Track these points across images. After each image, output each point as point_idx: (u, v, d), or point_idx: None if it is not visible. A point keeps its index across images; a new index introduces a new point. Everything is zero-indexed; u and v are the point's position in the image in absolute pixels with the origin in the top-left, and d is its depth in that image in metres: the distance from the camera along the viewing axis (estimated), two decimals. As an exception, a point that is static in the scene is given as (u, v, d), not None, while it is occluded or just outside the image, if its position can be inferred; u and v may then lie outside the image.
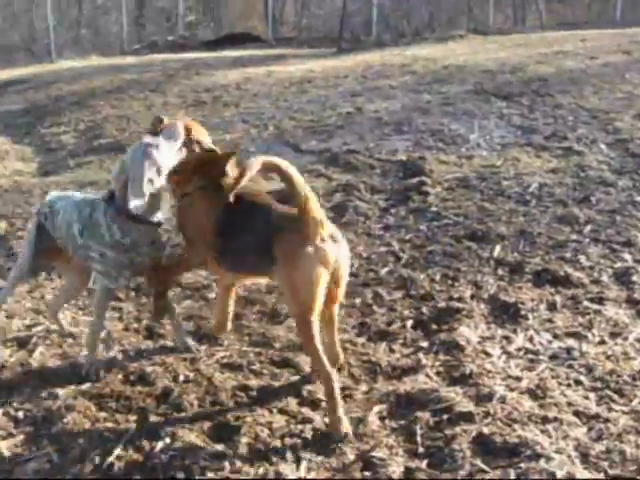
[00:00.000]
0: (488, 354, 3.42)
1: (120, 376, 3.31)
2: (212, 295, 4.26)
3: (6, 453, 2.78)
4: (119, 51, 25.82)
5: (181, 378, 3.28)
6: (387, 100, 9.54)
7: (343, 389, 3.14)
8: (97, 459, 2.71)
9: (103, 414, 3.02)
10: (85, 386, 3.23)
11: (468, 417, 2.90)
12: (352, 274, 4.40)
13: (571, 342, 3.52)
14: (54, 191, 3.95)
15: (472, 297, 4.04)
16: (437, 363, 3.37)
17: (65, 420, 2.94)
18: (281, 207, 3.12)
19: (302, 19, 33.15)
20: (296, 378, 3.28)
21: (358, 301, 4.08)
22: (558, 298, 3.98)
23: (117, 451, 2.75)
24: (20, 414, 3.05)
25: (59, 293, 3.86)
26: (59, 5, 26.82)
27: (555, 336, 3.59)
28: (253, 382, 3.22)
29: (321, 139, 7.85)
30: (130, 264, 3.24)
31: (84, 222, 3.23)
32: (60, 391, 3.19)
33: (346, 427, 2.84)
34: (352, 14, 21.95)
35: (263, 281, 3.94)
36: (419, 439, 2.81)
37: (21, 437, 2.89)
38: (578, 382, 3.18)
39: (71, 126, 10.06)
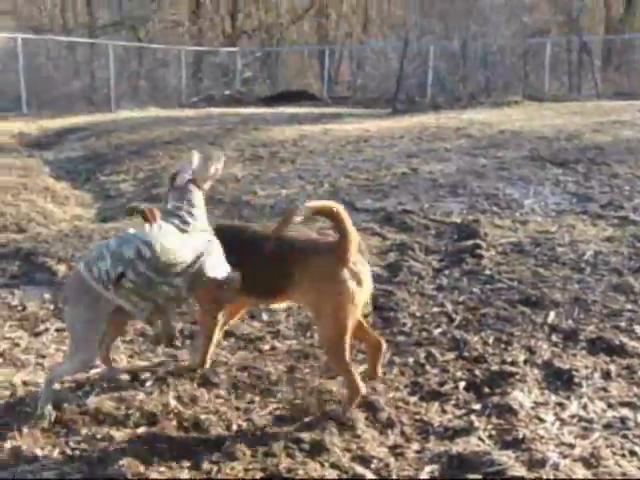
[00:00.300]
0: (541, 420, 3.40)
1: (174, 422, 3.35)
2: (266, 347, 4.31)
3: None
4: (177, 103, 26.37)
5: (234, 427, 3.31)
6: (442, 162, 9.63)
7: (395, 447, 3.16)
8: (152, 502, 2.75)
9: (157, 458, 3.05)
10: (140, 430, 3.28)
11: (520, 482, 2.89)
12: (405, 333, 4.45)
13: (625, 412, 3.47)
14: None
15: (525, 362, 4.02)
16: (489, 426, 3.35)
17: (120, 462, 2.98)
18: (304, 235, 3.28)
19: (357, 79, 33.55)
20: (349, 434, 3.29)
21: (411, 360, 4.08)
22: (613, 367, 3.94)
23: (172, 497, 2.79)
24: (76, 454, 3.09)
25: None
26: (120, 57, 27.46)
27: (609, 405, 3.55)
28: (305, 435, 3.23)
29: (376, 198, 7.93)
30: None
31: None
32: (116, 434, 3.24)
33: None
34: (407, 76, 22.19)
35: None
36: (469, 501, 2.81)
37: (77, 476, 2.93)
38: (633, 453, 3.13)
39: (130, 174, 10.27)
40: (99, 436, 3.22)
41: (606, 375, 3.87)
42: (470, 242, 6.15)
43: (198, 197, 3.52)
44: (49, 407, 3.34)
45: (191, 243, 3.34)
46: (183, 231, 3.37)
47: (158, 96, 27.53)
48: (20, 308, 5.02)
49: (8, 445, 3.13)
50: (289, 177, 9.26)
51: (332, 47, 36.09)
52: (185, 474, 2.95)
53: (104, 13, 39.92)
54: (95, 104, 24.66)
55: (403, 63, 19.57)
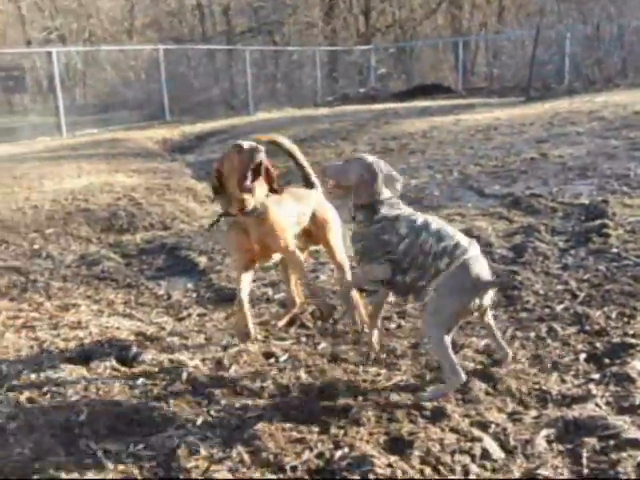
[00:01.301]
0: (659, 387, 3.46)
1: (305, 393, 3.61)
2: (393, 325, 4.52)
3: (204, 452, 3.11)
4: (313, 103, 26.81)
5: (360, 397, 3.53)
6: (573, 146, 9.57)
7: (513, 413, 3.31)
8: (285, 461, 3.01)
9: (289, 424, 3.31)
10: (273, 400, 3.55)
11: (634, 443, 2.97)
12: (527, 310, 4.56)
13: None
14: None
15: (647, 334, 4.07)
16: (607, 394, 3.43)
17: (256, 428, 3.24)
18: None
19: (493, 69, 33.19)
20: (469, 403, 3.45)
21: (532, 335, 4.19)
22: None
23: (304, 457, 3.03)
24: (216, 421, 3.39)
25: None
26: (257, 61, 28.14)
27: None
28: (427, 404, 3.42)
29: (505, 184, 8.00)
30: None
31: None
32: (250, 402, 3.52)
33: None
34: (544, 63, 21.89)
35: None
36: (584, 461, 2.90)
37: (217, 440, 3.21)
38: None
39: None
40: (237, 405, 3.51)
41: None
42: (598, 222, 6.14)
43: None
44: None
45: None
46: None
47: (294, 97, 28.11)
48: (166, 297, 5.42)
49: (156, 414, 3.45)
50: (419, 167, 9.42)
51: (466, 38, 35.80)
52: (315, 437, 3.19)
53: (241, 20, 40.94)
54: (234, 108, 25.41)
55: (535, 50, 19.30)
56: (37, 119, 24.24)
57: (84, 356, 4.25)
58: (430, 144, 11.12)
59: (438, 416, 3.30)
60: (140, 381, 3.84)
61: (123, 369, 4.05)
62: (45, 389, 3.78)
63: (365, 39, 38.97)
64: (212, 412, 3.47)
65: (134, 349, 4.27)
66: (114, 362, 4.12)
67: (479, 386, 3.55)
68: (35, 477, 2.98)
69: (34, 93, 33.50)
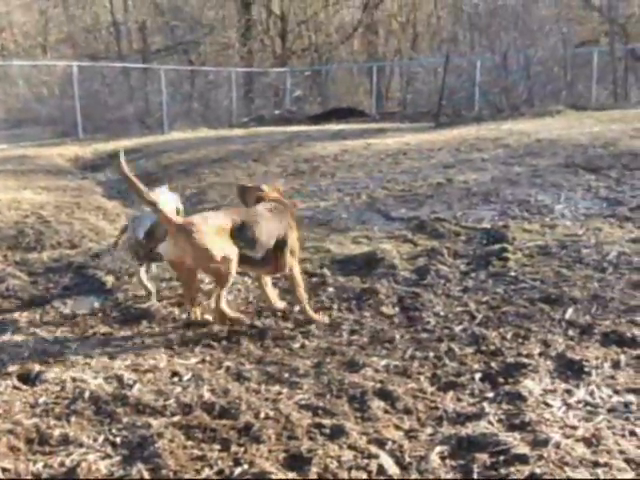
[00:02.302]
0: (549, 405, 3.60)
1: (207, 411, 3.66)
2: (296, 345, 4.60)
3: (104, 470, 3.13)
4: (228, 124, 26.83)
5: (262, 415, 3.58)
6: (478, 172, 9.85)
7: (409, 431, 3.42)
8: (185, 478, 3.05)
9: (190, 442, 3.35)
10: (175, 418, 3.59)
11: (523, 459, 3.10)
12: (427, 330, 4.70)
13: (631, 397, 3.65)
14: None
15: (540, 354, 4.22)
16: (500, 411, 3.57)
17: (157, 445, 3.27)
18: None
19: (406, 94, 33.77)
20: (367, 420, 3.55)
21: (431, 354, 4.31)
22: (623, 357, 4.12)
23: (204, 474, 3.08)
24: (118, 439, 3.40)
25: None
26: (172, 80, 28.04)
27: (616, 391, 3.73)
28: (327, 421, 3.50)
29: (411, 207, 8.19)
30: None
31: None
32: (153, 421, 3.55)
33: None
34: (455, 90, 22.37)
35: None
36: (475, 476, 3.03)
37: (118, 458, 3.23)
38: (633, 433, 3.31)
39: (178, 192, 10.61)
40: (139, 423, 3.53)
41: (616, 364, 4.05)
42: (498, 246, 6.35)
43: None
44: None
45: None
46: None
47: (210, 117, 28.07)
48: (71, 316, 5.39)
49: (57, 432, 3.45)
50: (328, 190, 9.56)
51: (381, 64, 36.37)
52: (215, 454, 3.24)
53: (157, 39, 40.74)
54: (149, 127, 25.25)
55: (445, 77, 19.75)
56: (-56, 133, 23.66)
57: (-16, 375, 4.22)
58: (341, 167, 11.28)
59: (337, 434, 3.38)
60: (42, 400, 3.84)
61: (25, 387, 4.03)
62: (-57, 408, 3.74)
63: (281, 61, 39.21)
64: (114, 430, 3.49)
65: (37, 367, 4.25)
66: (15, 381, 4.10)
67: (377, 404, 3.66)
68: None
69: (-59, 108, 32.70)
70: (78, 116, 23.03)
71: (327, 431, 3.42)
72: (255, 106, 32.84)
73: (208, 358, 4.44)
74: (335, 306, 5.26)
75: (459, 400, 3.75)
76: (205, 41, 39.39)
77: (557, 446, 3.19)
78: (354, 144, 14.08)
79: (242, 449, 3.27)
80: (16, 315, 5.41)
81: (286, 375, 4.12)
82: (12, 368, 4.26)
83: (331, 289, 5.60)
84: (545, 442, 3.23)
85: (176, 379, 4.11)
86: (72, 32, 41.12)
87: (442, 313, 5.01)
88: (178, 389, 3.93)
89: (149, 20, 40.28)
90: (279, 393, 3.88)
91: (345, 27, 42.37)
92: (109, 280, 6.12)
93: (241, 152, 14.45)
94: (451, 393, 3.83)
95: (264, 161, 12.61)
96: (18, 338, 4.87)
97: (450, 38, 33.13)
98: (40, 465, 3.20)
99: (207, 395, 3.84)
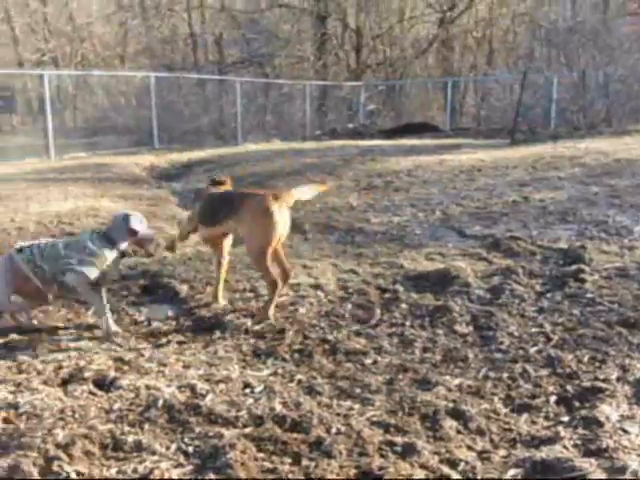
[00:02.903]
0: (626, 431, 3.51)
1: (278, 424, 3.66)
2: (369, 360, 4.58)
3: (176, 479, 3.16)
4: (301, 137, 26.97)
5: (333, 430, 3.58)
6: (554, 190, 9.71)
7: (482, 452, 3.37)
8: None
9: (262, 455, 3.35)
10: (247, 429, 3.60)
11: (599, 485, 3.05)
12: (501, 350, 4.64)
13: None
14: None
15: (618, 379, 4.13)
16: (575, 436, 3.49)
17: (229, 456, 3.28)
18: None
19: (481, 110, 33.54)
20: (440, 440, 3.51)
21: (505, 375, 4.25)
22: None
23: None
24: (190, 449, 3.42)
25: None
26: (247, 92, 28.30)
27: (697, 420, 3.65)
28: (398, 439, 3.47)
29: (485, 225, 8.11)
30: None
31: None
32: (225, 432, 3.57)
33: None
34: (531, 106, 22.14)
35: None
36: (550, 502, 2.99)
37: (190, 467, 3.26)
38: None
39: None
40: (211, 433, 3.56)
41: (697, 392, 3.95)
42: (574, 267, 6.23)
43: None
44: None
45: None
46: None
47: (283, 129, 28.28)
48: (145, 324, 5.47)
49: (131, 439, 3.49)
50: (402, 205, 9.52)
51: (456, 79, 36.18)
52: (286, 467, 3.24)
53: (233, 51, 41.24)
54: (222, 138, 25.53)
55: (522, 94, 19.54)
56: (25, 140, 24.25)
57: (61, 379, 4.29)
58: (414, 183, 11.24)
59: (408, 452, 3.35)
60: (116, 406, 3.88)
61: (100, 393, 4.09)
62: (21, 410, 3.81)
63: (355, 75, 39.34)
64: (186, 439, 3.51)
65: (112, 374, 4.31)
66: (91, 386, 4.17)
67: (450, 424, 3.62)
68: (7, 497, 3.02)
69: (23, 114, 33.58)
70: (154, 126, 23.41)
71: (399, 449, 3.39)
72: (328, 119, 32.98)
73: (280, 371, 4.44)
74: (408, 323, 5.22)
75: (533, 423, 3.69)
76: (280, 54, 39.72)
77: (635, 474, 3.11)
78: (428, 160, 14.04)
79: (313, 464, 3.26)
80: (92, 321, 5.50)
81: (358, 391, 4.10)
82: (88, 374, 4.32)
83: (404, 305, 5.56)
84: (622, 470, 3.16)
85: (248, 390, 4.12)
86: (150, 43, 41.87)
87: (516, 333, 4.93)
88: (250, 400, 3.94)
89: (226, 32, 40.84)
90: (350, 408, 3.86)
91: (420, 42, 42.30)
92: (183, 289, 6.19)
93: (315, 165, 14.52)
94: (525, 415, 3.76)
95: (337, 175, 12.63)
96: (93, 344, 4.95)
97: (526, 54, 32.79)
98: (114, 471, 3.23)
99: (279, 408, 3.84)
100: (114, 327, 5.10)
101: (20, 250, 5.10)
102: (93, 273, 5.00)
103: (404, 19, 41.59)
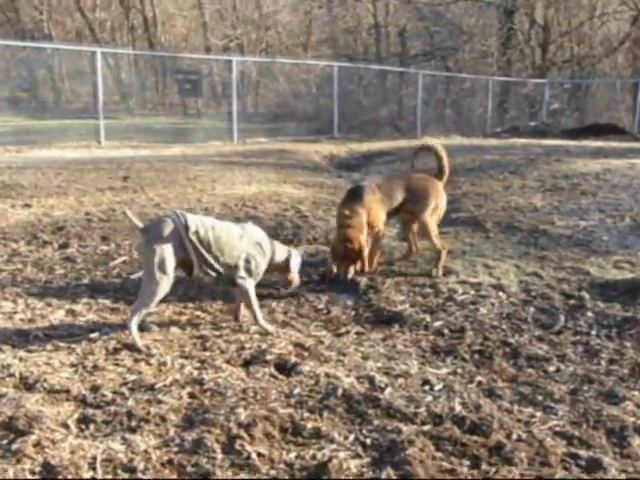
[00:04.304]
0: None
1: (457, 424, 3.59)
2: (552, 368, 4.43)
3: (354, 470, 3.14)
4: (481, 133, 26.62)
5: (514, 436, 3.47)
6: None
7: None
8: (433, 490, 3.00)
9: (440, 454, 3.29)
10: (426, 427, 3.54)
11: None
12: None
13: None
14: None
15: None
16: None
17: (407, 452, 3.25)
18: None
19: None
20: (627, 459, 3.33)
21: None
22: None
23: (451, 488, 3.02)
24: (368, 441, 3.40)
25: None
26: (428, 85, 28.20)
27: None
28: (583, 452, 3.33)
29: (683, 234, 7.71)
30: None
31: None
32: (404, 427, 3.53)
33: None
34: None
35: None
36: None
37: (367, 459, 3.24)
38: None
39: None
40: (390, 427, 3.53)
41: None
42: None
43: None
44: None
45: None
46: None
47: (462, 125, 28.00)
48: (325, 311, 5.51)
49: (310, 425, 3.52)
50: (589, 209, 9.18)
51: (647, 80, 34.69)
52: (465, 470, 3.17)
53: (416, 43, 41.15)
54: (400, 130, 25.55)
55: None
56: (209, 123, 25.13)
57: (244, 360, 4.39)
58: (602, 187, 10.83)
59: (593, 467, 3.21)
60: (296, 391, 3.92)
61: (281, 377, 4.14)
62: (205, 387, 3.92)
63: (540, 72, 38.41)
64: (364, 431, 3.50)
65: (293, 359, 4.36)
66: (272, 369, 4.23)
67: (639, 442, 3.44)
68: (189, 469, 3.09)
69: (208, 98, 34.80)
70: (335, 115, 23.69)
71: (583, 463, 3.25)
72: (509, 116, 32.41)
73: (460, 370, 4.36)
74: (593, 332, 5.01)
75: None
76: (464, 48, 39.31)
77: None
78: (616, 163, 13.51)
79: (493, 469, 3.18)
80: (273, 305, 5.59)
81: (540, 398, 3.96)
82: (269, 357, 4.39)
83: (589, 313, 5.35)
84: None
85: (427, 387, 4.06)
86: (333, 32, 42.47)
87: None
88: (429, 398, 3.88)
89: (409, 24, 40.79)
90: (532, 416, 3.73)
91: (611, 40, 40.80)
92: (363, 280, 6.18)
93: (497, 163, 14.26)
94: None
95: (521, 174, 12.33)
96: (274, 327, 5.02)
97: None
98: (293, 455, 3.26)
99: (458, 408, 3.77)
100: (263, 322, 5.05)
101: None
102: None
103: (595, 16, 40.19)
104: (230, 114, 21.29)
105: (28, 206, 9.26)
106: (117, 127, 21.98)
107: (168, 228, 4.56)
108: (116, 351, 4.48)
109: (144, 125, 26.30)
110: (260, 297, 5.58)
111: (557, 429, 3.58)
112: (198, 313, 5.32)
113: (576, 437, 3.49)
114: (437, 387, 4.06)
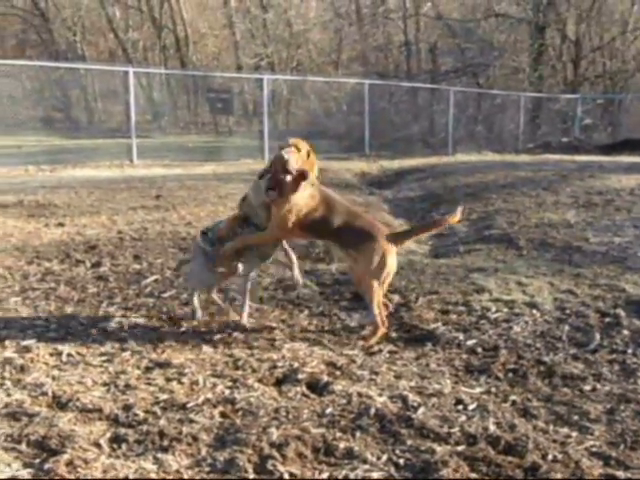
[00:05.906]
0: None
1: (491, 445, 3.54)
2: (587, 387, 4.36)
3: (386, 491, 3.12)
4: (513, 149, 26.50)
5: (550, 457, 3.41)
6: None
7: None
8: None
9: (474, 475, 3.25)
10: (459, 447, 3.50)
11: None
12: None
13: None
14: None
15: None
16: None
17: (441, 473, 3.21)
18: None
19: None
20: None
21: None
22: None
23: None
24: (401, 461, 3.37)
25: None
26: (459, 102, 28.17)
27: None
28: (620, 473, 3.27)
29: None
30: None
31: None
32: (437, 447, 3.49)
33: None
34: None
35: None
36: None
37: (401, 480, 3.22)
38: None
39: (464, 215, 10.59)
40: (423, 448, 3.49)
41: None
42: None
43: None
44: None
45: None
46: None
47: (494, 141, 27.92)
48: (357, 329, 5.47)
49: (342, 445, 3.49)
50: (623, 225, 9.07)
51: (681, 95, 34.40)
52: (500, 493, 3.13)
53: (447, 60, 41.10)
54: (431, 147, 25.51)
55: None
56: (240, 141, 25.24)
57: (276, 378, 4.37)
58: (637, 202, 10.69)
59: (634, 490, 3.16)
60: (329, 410, 3.89)
61: (313, 396, 4.12)
62: (237, 406, 3.91)
63: (572, 88, 38.18)
64: (397, 451, 3.46)
65: (325, 378, 4.34)
66: (304, 388, 4.21)
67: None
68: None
69: (239, 116, 34.99)
70: (366, 132, 23.72)
71: (621, 486, 3.20)
72: (541, 132, 32.25)
73: (493, 389, 4.31)
74: (630, 350, 4.93)
75: None
76: (495, 64, 39.20)
77: None
78: (651, 179, 13.37)
79: (530, 492, 3.14)
80: (305, 323, 5.57)
81: (575, 418, 3.90)
82: (301, 375, 4.37)
83: (625, 332, 5.26)
84: None
85: (461, 407, 4.02)
86: (364, 50, 42.52)
87: None
88: (463, 418, 3.84)
89: (440, 41, 40.79)
90: (568, 436, 3.68)
91: (644, 55, 40.49)
92: (394, 298, 6.14)
93: (530, 179, 14.16)
94: None
95: (554, 190, 12.22)
96: (306, 346, 5.00)
97: None
98: (325, 475, 3.24)
99: (492, 428, 3.72)
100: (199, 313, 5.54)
101: (204, 233, 5.53)
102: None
103: (627, 31, 39.92)
104: (261, 132, 21.42)
105: (61, 225, 9.36)
106: (149, 146, 22.17)
107: None
108: (148, 370, 4.49)
109: (176, 144, 26.53)
110: (291, 315, 5.59)
111: (594, 449, 3.53)
112: (229, 331, 5.30)
113: (613, 458, 3.44)
114: (471, 407, 4.02)
